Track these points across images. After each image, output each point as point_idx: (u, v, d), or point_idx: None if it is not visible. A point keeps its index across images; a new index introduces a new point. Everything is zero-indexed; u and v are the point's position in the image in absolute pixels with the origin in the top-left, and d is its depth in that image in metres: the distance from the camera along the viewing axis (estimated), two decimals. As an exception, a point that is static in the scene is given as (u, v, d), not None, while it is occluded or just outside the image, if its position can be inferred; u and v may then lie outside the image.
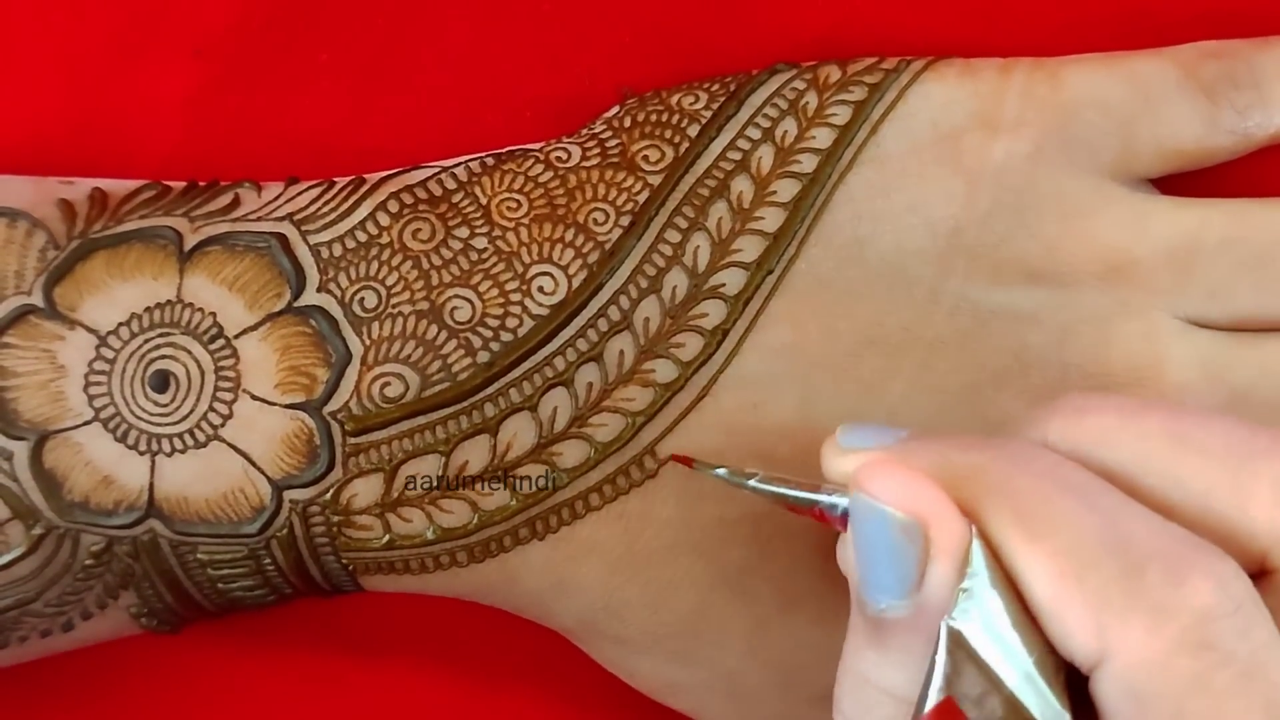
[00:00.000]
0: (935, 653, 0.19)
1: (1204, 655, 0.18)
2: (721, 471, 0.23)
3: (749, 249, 0.26)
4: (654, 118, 0.27)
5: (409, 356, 0.25)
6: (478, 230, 0.26)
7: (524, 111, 0.29)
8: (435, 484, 0.26)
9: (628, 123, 0.27)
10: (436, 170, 0.27)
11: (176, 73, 0.29)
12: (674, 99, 0.27)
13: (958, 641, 0.19)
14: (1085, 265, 0.26)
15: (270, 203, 0.26)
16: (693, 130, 0.27)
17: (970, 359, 0.26)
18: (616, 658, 0.27)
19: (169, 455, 0.25)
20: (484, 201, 0.26)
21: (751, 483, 0.22)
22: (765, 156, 0.26)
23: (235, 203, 0.26)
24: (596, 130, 0.27)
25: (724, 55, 0.29)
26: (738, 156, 0.26)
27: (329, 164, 0.28)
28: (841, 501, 0.21)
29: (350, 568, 0.26)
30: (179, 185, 0.27)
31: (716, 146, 0.26)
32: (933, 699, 0.19)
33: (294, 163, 0.28)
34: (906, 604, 0.19)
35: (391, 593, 0.29)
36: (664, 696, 0.28)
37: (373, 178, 0.27)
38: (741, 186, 0.26)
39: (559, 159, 0.27)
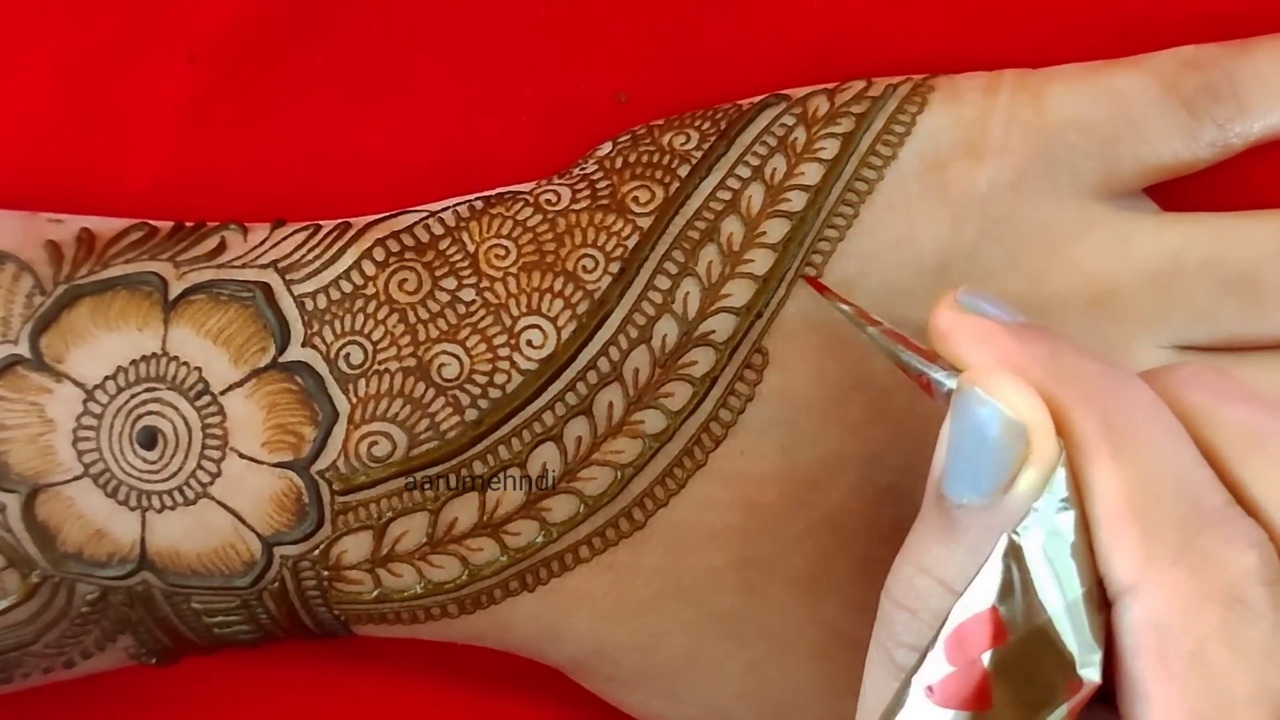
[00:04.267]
0: (992, 558, 0.19)
1: (1237, 609, 0.19)
2: (847, 309, 0.23)
3: (738, 293, 0.26)
4: (645, 158, 0.26)
5: (396, 415, 0.25)
6: (465, 281, 0.26)
7: (519, 116, 0.28)
8: (426, 541, 0.26)
9: (619, 163, 0.27)
10: (424, 215, 0.26)
11: (172, 79, 0.29)
12: (665, 139, 0.27)
13: (1015, 555, 0.19)
14: (1069, 297, 0.26)
15: (255, 248, 0.26)
16: (683, 170, 0.26)
17: None
18: (608, 690, 0.28)
19: (159, 511, 0.25)
20: (471, 249, 0.26)
21: (871, 330, 0.23)
22: (755, 195, 0.26)
23: (221, 247, 0.26)
24: (588, 170, 0.27)
25: (720, 58, 0.29)
26: (728, 196, 0.26)
27: (324, 170, 0.28)
28: (950, 382, 0.21)
29: (342, 618, 0.26)
30: (166, 226, 0.27)
31: (706, 186, 0.26)
32: (978, 605, 0.19)
33: (289, 168, 0.28)
34: (987, 502, 0.20)
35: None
36: None
37: (358, 222, 0.27)
38: (731, 228, 0.26)
39: (548, 202, 0.26)
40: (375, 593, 0.26)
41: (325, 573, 0.26)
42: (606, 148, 0.27)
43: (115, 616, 0.26)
